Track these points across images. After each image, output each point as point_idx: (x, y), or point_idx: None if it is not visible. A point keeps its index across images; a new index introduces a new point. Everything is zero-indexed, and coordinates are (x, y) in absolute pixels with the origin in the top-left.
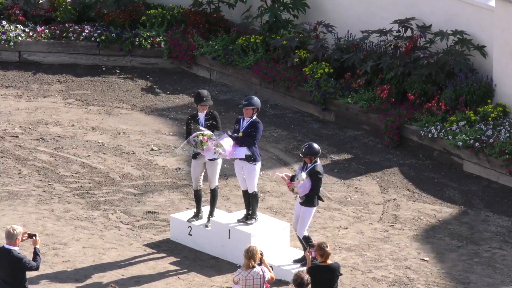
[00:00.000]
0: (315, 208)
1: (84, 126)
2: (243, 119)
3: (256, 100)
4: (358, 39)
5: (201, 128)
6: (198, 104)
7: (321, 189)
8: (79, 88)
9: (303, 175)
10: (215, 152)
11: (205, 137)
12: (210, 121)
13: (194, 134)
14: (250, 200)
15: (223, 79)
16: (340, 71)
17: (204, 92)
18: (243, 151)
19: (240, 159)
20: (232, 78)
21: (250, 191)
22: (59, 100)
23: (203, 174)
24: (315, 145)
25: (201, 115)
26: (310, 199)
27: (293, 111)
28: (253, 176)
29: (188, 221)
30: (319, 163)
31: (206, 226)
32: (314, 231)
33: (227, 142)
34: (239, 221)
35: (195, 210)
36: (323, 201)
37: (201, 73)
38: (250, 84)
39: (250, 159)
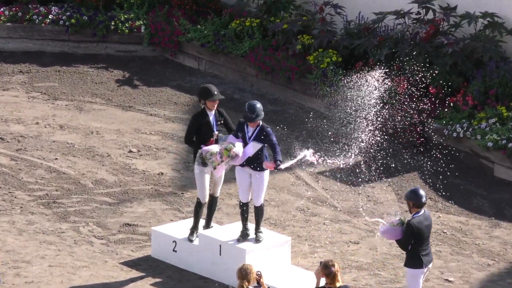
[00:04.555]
0: (417, 270)
1: (51, 124)
2: (247, 126)
3: (260, 108)
4: (370, 22)
5: (232, 143)
6: (207, 100)
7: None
8: (45, 79)
9: (397, 220)
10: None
11: (218, 157)
12: (221, 121)
13: (209, 148)
14: (256, 214)
15: (213, 69)
16: (349, 60)
17: (212, 86)
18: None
19: (249, 166)
20: (224, 68)
21: (257, 204)
22: (22, 94)
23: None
24: (419, 192)
25: (211, 114)
26: (410, 259)
27: (295, 106)
28: (263, 187)
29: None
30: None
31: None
32: (319, 247)
33: (239, 146)
34: (239, 240)
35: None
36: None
37: (187, 63)
38: (245, 75)
39: (260, 167)
